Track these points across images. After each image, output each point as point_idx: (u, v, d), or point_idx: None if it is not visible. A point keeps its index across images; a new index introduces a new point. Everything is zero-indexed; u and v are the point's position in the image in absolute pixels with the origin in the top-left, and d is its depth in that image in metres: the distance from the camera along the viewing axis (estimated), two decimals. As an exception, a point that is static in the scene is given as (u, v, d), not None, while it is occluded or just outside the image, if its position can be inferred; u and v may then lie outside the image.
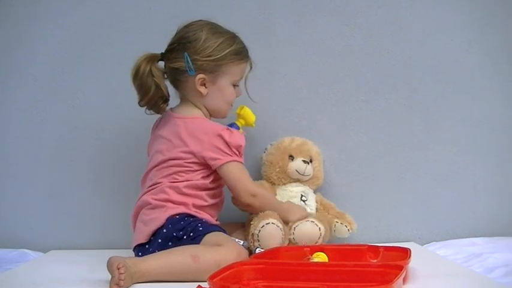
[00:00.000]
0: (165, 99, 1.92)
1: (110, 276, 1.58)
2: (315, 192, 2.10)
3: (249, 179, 1.92)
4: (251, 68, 1.98)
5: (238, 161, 1.88)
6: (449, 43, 2.22)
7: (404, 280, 1.54)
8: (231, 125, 1.98)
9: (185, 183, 1.85)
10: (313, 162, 2.09)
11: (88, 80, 2.21)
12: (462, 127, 2.22)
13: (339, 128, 2.20)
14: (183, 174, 1.86)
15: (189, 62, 1.86)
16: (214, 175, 1.90)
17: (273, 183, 2.09)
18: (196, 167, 1.87)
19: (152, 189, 1.87)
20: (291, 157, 2.08)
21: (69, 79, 2.22)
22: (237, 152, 1.87)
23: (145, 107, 1.92)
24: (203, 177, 1.88)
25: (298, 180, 2.08)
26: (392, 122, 2.20)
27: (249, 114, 2.01)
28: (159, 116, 1.98)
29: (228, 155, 1.86)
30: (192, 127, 1.88)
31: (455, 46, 2.22)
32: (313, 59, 2.20)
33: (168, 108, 1.96)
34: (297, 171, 2.06)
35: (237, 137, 1.88)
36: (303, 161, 2.07)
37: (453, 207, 2.21)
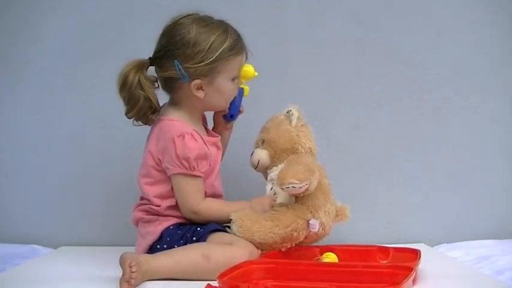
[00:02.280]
0: (154, 110, 1.78)
1: (119, 273, 1.57)
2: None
3: (193, 195, 1.77)
4: (247, 57, 1.84)
5: (184, 174, 1.75)
6: (462, 44, 2.22)
7: (414, 281, 1.54)
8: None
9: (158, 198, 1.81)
10: (265, 141, 1.90)
11: (98, 76, 2.21)
12: (473, 128, 2.21)
13: (351, 128, 2.20)
14: (158, 184, 1.81)
15: (181, 69, 1.74)
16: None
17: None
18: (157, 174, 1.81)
19: (142, 204, 1.84)
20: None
21: (79, 75, 2.22)
22: (185, 164, 1.74)
23: (132, 119, 1.80)
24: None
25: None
26: (403, 122, 2.20)
27: (245, 70, 1.85)
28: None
29: (175, 166, 1.75)
30: (159, 130, 1.80)
31: (467, 47, 2.22)
32: (326, 60, 2.20)
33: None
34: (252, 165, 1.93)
35: (189, 147, 1.74)
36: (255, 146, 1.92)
37: (464, 209, 2.20)
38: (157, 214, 1.80)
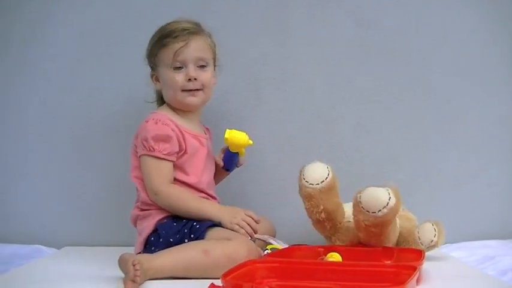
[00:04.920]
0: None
1: (123, 273, 1.58)
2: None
3: (155, 176, 1.83)
4: (186, 43, 1.87)
5: (146, 155, 1.83)
6: (465, 43, 2.22)
7: (418, 281, 1.53)
8: (228, 152, 1.97)
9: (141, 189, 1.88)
10: None
11: (101, 77, 2.22)
12: (477, 128, 2.21)
13: (353, 128, 2.20)
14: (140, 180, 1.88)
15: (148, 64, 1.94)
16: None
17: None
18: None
19: (137, 201, 1.91)
20: None
21: (82, 77, 2.23)
22: (145, 145, 1.83)
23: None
24: None
25: None
26: (406, 122, 2.20)
27: (236, 135, 1.92)
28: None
29: (139, 148, 1.85)
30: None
31: (470, 46, 2.22)
32: (328, 59, 2.20)
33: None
34: None
35: (147, 129, 1.84)
36: None
37: (467, 209, 2.20)
38: (150, 209, 1.84)
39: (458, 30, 2.21)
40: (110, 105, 2.22)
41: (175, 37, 1.87)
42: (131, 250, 1.68)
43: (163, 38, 1.88)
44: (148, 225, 1.83)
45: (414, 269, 1.49)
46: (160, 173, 1.83)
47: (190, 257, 1.66)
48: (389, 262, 1.75)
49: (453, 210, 2.20)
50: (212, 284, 1.44)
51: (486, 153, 2.22)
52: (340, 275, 1.53)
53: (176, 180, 1.87)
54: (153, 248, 1.78)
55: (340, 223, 1.87)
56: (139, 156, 1.86)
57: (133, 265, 1.56)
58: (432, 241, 1.84)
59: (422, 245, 1.83)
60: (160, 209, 1.84)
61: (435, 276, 1.63)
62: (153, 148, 1.83)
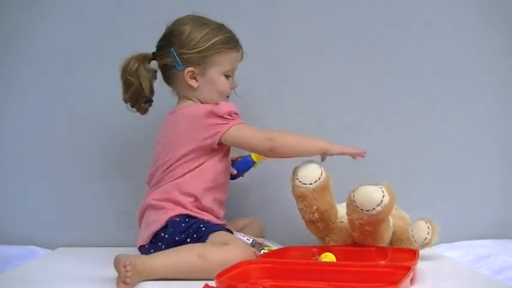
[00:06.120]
0: (147, 100, 1.93)
1: (117, 274, 1.58)
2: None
3: (258, 130, 1.87)
4: (242, 58, 1.94)
5: (237, 124, 1.85)
6: (458, 44, 2.22)
7: (412, 281, 1.54)
8: (246, 157, 2.00)
9: (185, 177, 1.84)
10: None
11: (96, 77, 2.22)
12: (470, 128, 2.22)
13: (347, 128, 2.20)
14: (180, 167, 1.85)
15: (176, 56, 1.86)
16: (215, 157, 1.88)
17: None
18: (191, 155, 1.85)
19: (155, 189, 1.88)
20: None
21: (77, 77, 2.22)
22: (231, 117, 1.84)
23: (128, 104, 1.94)
24: (203, 163, 1.86)
25: None
26: (399, 122, 2.21)
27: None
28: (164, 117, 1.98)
29: (224, 124, 1.83)
30: (182, 116, 1.87)
31: (463, 47, 2.23)
32: (321, 59, 2.21)
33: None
34: None
35: (225, 105, 1.86)
36: None
37: (461, 209, 2.21)
38: (168, 200, 1.83)
39: (451, 30, 2.22)
40: (105, 105, 2.21)
41: (236, 47, 1.91)
42: (125, 251, 1.67)
43: (225, 44, 1.88)
44: (159, 219, 1.81)
45: (408, 269, 1.49)
46: (256, 130, 1.87)
47: (185, 260, 1.66)
48: (383, 262, 1.75)
49: (447, 209, 2.20)
50: (206, 284, 1.44)
51: (480, 153, 2.22)
52: (334, 275, 1.53)
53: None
54: (159, 244, 1.78)
55: (333, 223, 1.87)
56: (226, 131, 1.82)
57: (125, 266, 1.56)
58: (426, 239, 1.84)
59: (416, 243, 1.83)
60: (175, 204, 1.82)
61: (429, 276, 1.63)
62: (237, 117, 1.86)
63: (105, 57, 2.20)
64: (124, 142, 2.21)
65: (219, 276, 1.45)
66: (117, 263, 1.59)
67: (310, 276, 1.54)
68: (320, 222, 1.84)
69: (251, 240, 1.84)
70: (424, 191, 2.21)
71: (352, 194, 1.75)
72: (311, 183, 1.79)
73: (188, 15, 1.91)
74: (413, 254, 1.68)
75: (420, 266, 1.63)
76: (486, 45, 2.22)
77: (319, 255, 1.75)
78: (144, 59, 1.91)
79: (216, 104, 1.86)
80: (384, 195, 1.73)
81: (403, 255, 1.72)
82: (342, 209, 1.86)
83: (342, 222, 1.86)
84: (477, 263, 1.88)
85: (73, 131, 2.23)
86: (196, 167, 1.85)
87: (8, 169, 2.24)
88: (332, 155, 1.87)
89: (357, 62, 2.20)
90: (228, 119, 1.84)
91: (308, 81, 2.21)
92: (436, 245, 2.12)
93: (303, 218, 1.86)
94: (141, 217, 1.89)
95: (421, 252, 1.71)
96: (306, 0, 2.20)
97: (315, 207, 1.81)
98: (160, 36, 1.92)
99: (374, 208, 1.72)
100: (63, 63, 2.23)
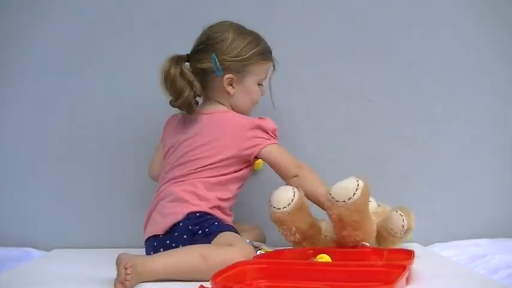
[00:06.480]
0: (197, 100, 1.95)
1: (114, 275, 1.57)
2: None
3: (291, 155, 1.92)
4: (274, 68, 2.00)
5: (275, 143, 1.90)
6: (454, 42, 2.23)
7: (408, 281, 1.53)
8: None
9: (216, 178, 1.87)
10: None
11: (93, 78, 2.22)
12: (467, 127, 2.22)
13: (344, 127, 2.21)
14: (215, 169, 1.88)
15: (217, 62, 1.89)
16: (246, 168, 1.92)
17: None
18: (228, 161, 1.88)
19: (179, 181, 1.88)
20: None
21: (74, 78, 2.23)
22: (273, 136, 1.91)
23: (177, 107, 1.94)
24: (235, 171, 1.90)
25: None
26: (396, 121, 2.21)
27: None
28: (168, 113, 2.00)
29: (266, 139, 1.89)
30: (225, 121, 1.91)
31: (460, 45, 2.23)
32: (318, 58, 2.21)
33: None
34: None
35: (271, 122, 1.92)
36: None
37: (457, 208, 2.21)
38: (194, 193, 1.85)
39: (448, 28, 2.22)
40: (102, 106, 2.22)
41: (271, 58, 1.99)
42: (122, 252, 1.66)
43: (263, 54, 1.95)
44: (181, 211, 1.82)
45: (404, 268, 1.48)
46: (288, 154, 1.92)
47: (186, 261, 1.66)
48: (379, 263, 1.75)
49: (443, 209, 2.20)
50: (201, 285, 1.44)
51: (476, 152, 2.22)
52: (329, 275, 1.53)
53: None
54: (176, 234, 1.80)
55: (318, 240, 1.87)
56: (266, 146, 1.88)
57: (125, 268, 1.56)
58: (403, 226, 1.84)
59: (397, 234, 1.84)
60: (200, 199, 1.84)
61: (425, 276, 1.62)
62: (276, 138, 1.92)
63: (105, 57, 2.21)
64: (121, 143, 2.21)
65: (214, 277, 1.45)
66: (118, 263, 1.58)
67: (306, 277, 1.54)
68: (304, 242, 1.85)
69: (248, 242, 1.84)
70: (423, 190, 2.21)
71: (328, 191, 1.76)
72: (285, 207, 1.79)
73: (226, 22, 1.94)
74: (409, 255, 1.68)
75: (416, 265, 1.63)
76: (485, 45, 2.22)
77: (315, 257, 1.75)
78: (181, 60, 1.91)
79: (261, 118, 1.91)
80: (358, 183, 1.74)
81: (399, 256, 1.72)
82: (325, 224, 1.87)
83: (326, 236, 1.87)
84: (473, 262, 1.88)
85: (71, 131, 2.23)
86: (229, 173, 1.89)
87: (4, 170, 2.23)
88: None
89: (357, 62, 2.20)
90: (271, 136, 1.90)
91: (304, 80, 2.21)
92: (431, 244, 2.13)
93: (287, 240, 1.87)
94: (153, 209, 1.89)
95: (417, 252, 1.71)
96: (306, 0, 2.20)
97: (294, 229, 1.82)
98: (198, 39, 1.94)
99: (351, 197, 1.72)
100: (63, 63, 2.23)
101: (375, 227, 1.86)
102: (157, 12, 2.20)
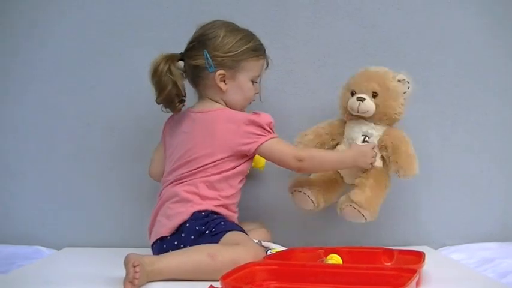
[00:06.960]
0: (182, 99, 1.93)
1: (123, 274, 1.58)
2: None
3: (290, 147, 1.92)
4: (267, 65, 1.99)
5: (274, 137, 1.88)
6: (466, 46, 2.22)
7: (418, 284, 1.54)
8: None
9: (217, 176, 1.87)
10: (378, 96, 1.98)
11: (101, 77, 2.22)
12: (477, 131, 2.21)
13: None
14: (214, 167, 1.87)
15: (209, 58, 1.88)
16: (245, 162, 1.91)
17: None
18: (226, 158, 1.87)
19: (181, 182, 1.88)
20: (353, 92, 2.02)
21: (81, 76, 2.22)
22: (270, 130, 1.89)
23: (161, 105, 1.93)
24: (234, 167, 1.89)
25: (361, 117, 2.01)
26: (407, 125, 2.20)
27: (258, 158, 2.00)
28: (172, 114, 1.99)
29: (263, 136, 1.87)
30: (219, 118, 1.90)
31: (472, 49, 2.22)
32: (330, 61, 2.20)
33: (184, 107, 1.96)
34: (351, 109, 2.00)
35: (266, 116, 1.90)
36: (358, 98, 1.98)
37: (467, 212, 2.20)
38: (196, 194, 1.85)
39: (459, 32, 2.21)
40: (109, 105, 2.22)
41: (264, 55, 1.98)
42: (131, 251, 1.66)
43: (256, 51, 1.94)
44: (186, 211, 1.82)
45: (414, 272, 1.48)
46: (288, 146, 1.92)
47: (195, 260, 1.66)
48: (389, 264, 1.75)
49: (453, 212, 2.20)
50: (211, 286, 1.44)
51: (486, 156, 2.22)
52: (339, 278, 1.53)
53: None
54: (182, 234, 1.79)
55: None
56: (264, 142, 1.87)
57: (134, 267, 1.56)
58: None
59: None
60: (203, 199, 1.84)
61: (435, 279, 1.63)
62: (273, 131, 1.90)
63: (114, 57, 2.21)
64: (129, 142, 2.21)
65: (224, 277, 1.45)
66: (126, 262, 1.59)
67: (315, 279, 1.54)
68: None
69: (256, 242, 1.84)
70: (431, 194, 2.20)
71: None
72: None
73: (220, 21, 1.94)
74: (419, 257, 1.68)
75: (426, 268, 1.63)
76: (495, 47, 2.22)
77: (325, 257, 1.75)
78: (173, 58, 1.92)
79: (256, 113, 1.89)
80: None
81: (409, 257, 1.72)
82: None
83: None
84: (482, 265, 1.87)
85: (79, 131, 2.22)
86: (229, 169, 1.88)
87: (14, 169, 2.24)
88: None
89: (366, 64, 2.18)
90: (267, 130, 1.88)
91: (316, 82, 2.20)
92: (441, 247, 2.13)
93: None
94: (159, 210, 1.89)
95: (426, 255, 1.70)
96: (315, 3, 2.20)
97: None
98: (191, 37, 1.94)
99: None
100: (66, 63, 2.23)
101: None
102: (169, 11, 2.20)
